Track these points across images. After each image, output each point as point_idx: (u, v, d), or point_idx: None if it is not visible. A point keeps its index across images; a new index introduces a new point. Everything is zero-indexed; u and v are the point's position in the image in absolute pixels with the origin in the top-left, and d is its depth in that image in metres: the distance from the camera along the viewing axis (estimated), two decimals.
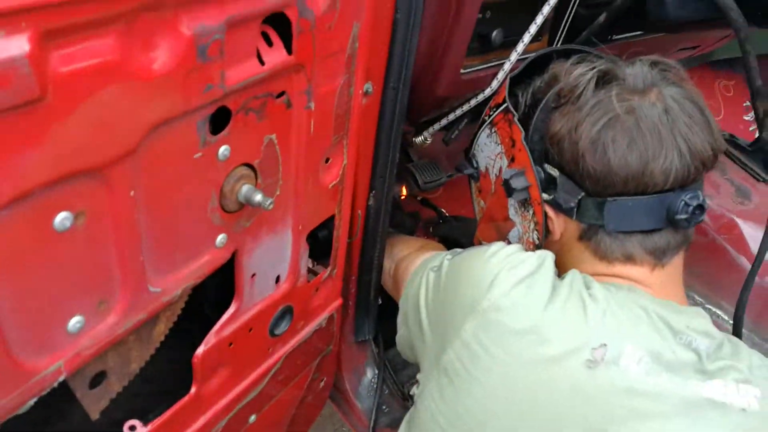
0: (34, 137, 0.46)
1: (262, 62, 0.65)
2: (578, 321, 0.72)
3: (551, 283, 0.75)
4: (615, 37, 1.33)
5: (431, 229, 1.60)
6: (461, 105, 1.17)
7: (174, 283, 0.68)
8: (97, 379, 0.68)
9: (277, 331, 0.92)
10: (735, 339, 0.81)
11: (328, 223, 0.95)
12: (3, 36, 0.40)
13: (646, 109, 0.77)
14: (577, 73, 0.81)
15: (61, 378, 0.58)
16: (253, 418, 0.96)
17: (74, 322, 0.58)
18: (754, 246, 1.64)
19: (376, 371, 1.32)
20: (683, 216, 0.77)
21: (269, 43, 0.66)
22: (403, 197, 1.49)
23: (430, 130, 1.24)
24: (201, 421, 0.83)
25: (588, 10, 1.21)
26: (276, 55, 0.67)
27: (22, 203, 0.48)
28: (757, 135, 1.92)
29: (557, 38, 1.23)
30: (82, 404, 0.67)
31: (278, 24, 0.66)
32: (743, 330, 1.54)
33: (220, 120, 0.64)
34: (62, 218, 0.52)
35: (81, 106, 0.48)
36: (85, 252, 0.56)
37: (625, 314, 0.74)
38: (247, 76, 0.63)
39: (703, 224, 1.73)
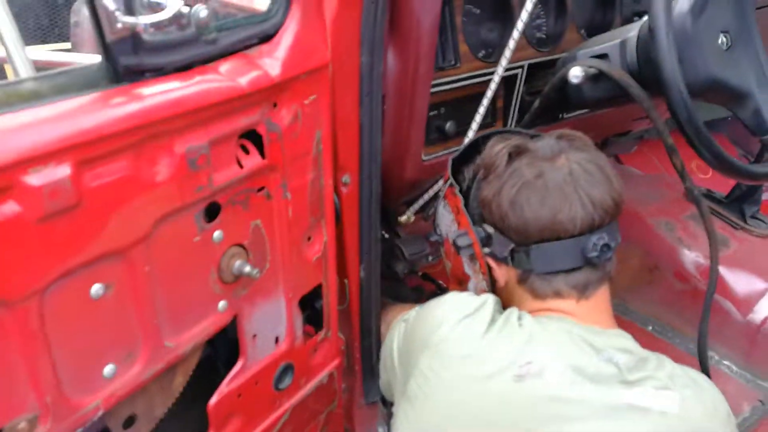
0: (74, 230, 0.68)
1: (241, 166, 0.88)
2: (509, 345, 0.88)
3: (490, 318, 0.92)
4: (565, 116, 1.54)
5: None
6: (432, 186, 1.38)
7: (185, 340, 0.88)
8: (129, 422, 0.86)
9: (281, 386, 1.09)
10: (662, 355, 0.95)
11: (318, 298, 1.15)
12: (54, 166, 0.63)
13: (553, 173, 0.97)
14: (495, 150, 1.01)
15: (99, 413, 0.78)
16: None
17: (109, 368, 0.78)
18: (737, 289, 1.77)
19: (387, 429, 1.46)
20: (594, 254, 0.94)
21: (246, 152, 0.89)
22: (405, 274, 1.68)
23: (411, 209, 1.46)
24: None
25: (531, 97, 1.44)
26: (253, 160, 0.89)
27: (67, 278, 0.70)
28: (731, 189, 2.08)
29: (509, 122, 1.46)
30: None
31: (253, 137, 0.90)
32: (729, 364, 1.65)
33: (215, 211, 0.87)
34: (97, 288, 0.73)
35: (105, 208, 0.70)
36: (114, 313, 0.76)
37: (550, 338, 0.90)
38: (230, 178, 0.86)
39: (686, 272, 1.86)
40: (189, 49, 0.80)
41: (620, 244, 1.44)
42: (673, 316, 1.81)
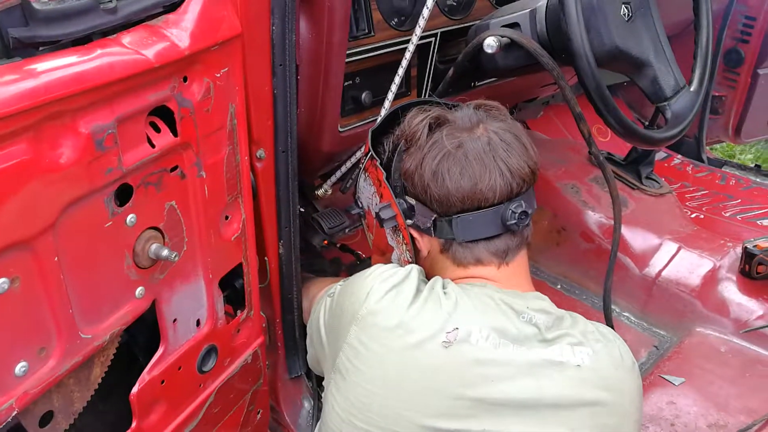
0: None
1: (152, 145, 0.83)
2: (435, 313, 0.90)
3: (415, 288, 0.94)
4: (477, 83, 1.57)
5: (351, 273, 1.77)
6: (349, 158, 1.37)
7: (102, 330, 0.83)
8: (46, 419, 0.82)
9: (205, 368, 1.06)
10: (575, 314, 1.01)
11: (243, 274, 1.12)
12: None
13: (473, 143, 0.98)
14: (416, 121, 1.01)
15: (14, 413, 0.73)
16: None
17: (20, 367, 0.73)
18: (635, 245, 1.89)
19: (312, 402, 1.46)
20: (513, 221, 0.97)
21: (157, 130, 0.84)
22: (324, 243, 1.67)
23: (328, 182, 1.44)
24: None
25: (445, 65, 1.45)
26: (164, 138, 0.85)
27: None
28: (628, 151, 2.20)
29: (423, 91, 1.46)
30: None
31: (164, 113, 0.85)
32: (629, 315, 1.77)
33: (127, 194, 0.82)
34: (0, 283, 0.68)
35: (4, 196, 0.64)
36: (23, 308, 0.71)
37: (473, 304, 0.92)
38: (141, 158, 0.81)
39: (591, 233, 1.97)
40: (87, 19, 0.74)
41: None
42: (580, 274, 1.91)
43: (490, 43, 1.15)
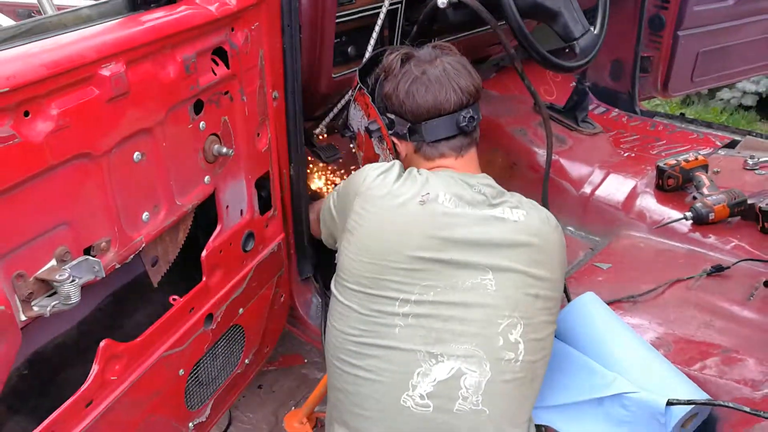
0: (125, 110, 1.00)
1: (215, 74, 1.22)
2: (413, 185, 1.30)
3: (398, 173, 1.33)
4: (436, 40, 1.97)
5: None
6: (338, 102, 1.77)
7: (187, 200, 1.21)
8: (154, 261, 1.20)
9: (247, 248, 1.45)
10: (516, 193, 1.41)
11: (267, 184, 1.51)
12: (115, 63, 0.95)
13: (433, 70, 1.38)
14: (391, 57, 1.41)
15: (142, 246, 1.11)
16: (241, 310, 1.48)
17: (145, 215, 1.11)
18: (572, 173, 2.32)
19: (320, 299, 1.86)
20: (464, 124, 1.38)
21: (216, 64, 1.23)
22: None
23: (323, 122, 1.83)
24: (209, 303, 1.35)
25: (410, 26, 1.85)
26: (221, 70, 1.24)
27: (122, 145, 1.02)
28: (566, 100, 2.63)
29: (394, 45, 1.86)
30: (149, 276, 1.19)
31: (219, 53, 1.24)
32: (571, 228, 2.19)
33: (200, 106, 1.20)
34: (137, 155, 1.06)
35: (142, 96, 1.03)
36: (147, 175, 1.09)
37: (439, 179, 1.32)
38: (209, 81, 1.20)
39: (537, 165, 2.39)
40: None
41: (487, 149, 1.87)
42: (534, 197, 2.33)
43: (443, 0, 1.55)
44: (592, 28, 1.64)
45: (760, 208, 1.88)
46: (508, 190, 1.40)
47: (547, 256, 1.34)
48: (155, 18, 1.06)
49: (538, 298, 1.28)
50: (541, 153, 2.37)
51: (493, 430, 1.21)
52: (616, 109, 3.08)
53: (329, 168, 2.11)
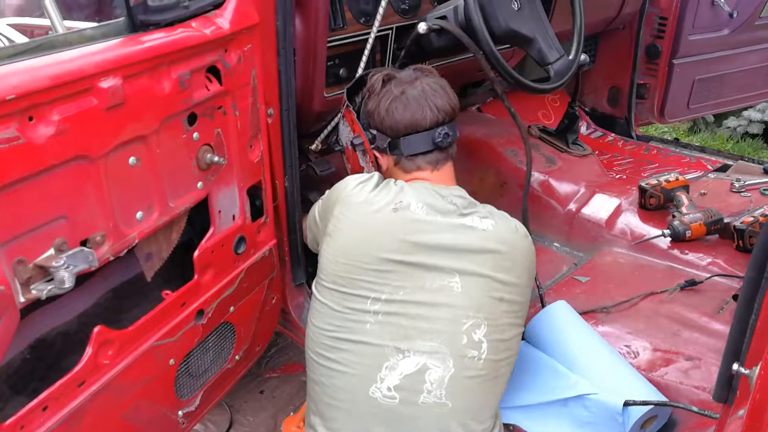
0: (122, 119, 1.13)
1: (208, 89, 1.35)
2: (388, 194, 1.41)
3: (376, 183, 1.45)
4: (426, 64, 2.09)
5: None
6: (331, 120, 1.89)
7: (180, 203, 1.33)
8: (148, 257, 1.32)
9: (239, 251, 1.57)
10: (488, 205, 1.51)
11: (260, 193, 1.63)
12: (113, 77, 1.08)
13: (412, 90, 1.50)
14: (374, 78, 1.54)
15: (135, 242, 1.23)
16: (232, 309, 1.59)
17: (139, 214, 1.23)
18: (560, 191, 2.41)
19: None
20: (439, 140, 1.49)
21: (210, 81, 1.36)
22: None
23: (318, 139, 1.96)
24: (201, 300, 1.46)
25: (400, 51, 1.98)
26: (214, 86, 1.37)
27: (118, 150, 1.15)
28: (558, 124, 2.73)
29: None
30: (144, 270, 1.31)
31: (213, 71, 1.37)
32: (557, 244, 2.28)
33: (194, 119, 1.33)
34: (132, 160, 1.18)
35: (137, 106, 1.16)
36: (141, 178, 1.22)
37: (413, 190, 1.43)
38: (202, 96, 1.32)
39: (531, 183, 2.48)
40: (174, 12, 1.26)
41: (480, 167, 1.96)
42: (518, 216, 2.42)
43: (422, 27, 1.68)
44: (567, 54, 1.75)
45: (735, 227, 1.95)
46: (498, 206, 1.50)
47: (514, 262, 1.43)
48: (153, 38, 1.20)
49: (503, 301, 1.38)
50: (536, 175, 2.47)
51: (455, 422, 1.29)
52: (613, 134, 3.19)
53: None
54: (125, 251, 1.22)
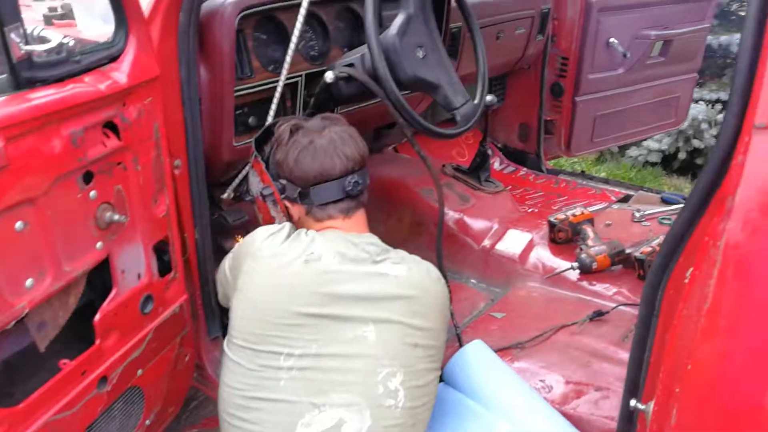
0: (5, 182, 1.06)
1: (105, 146, 1.29)
2: (299, 245, 1.39)
3: (287, 234, 1.43)
4: (339, 111, 2.11)
5: None
6: (243, 168, 1.86)
7: (76, 266, 1.26)
8: (41, 326, 1.24)
9: (146, 311, 1.50)
10: (400, 250, 1.52)
11: (168, 248, 1.57)
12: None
13: (320, 140, 1.50)
14: (282, 128, 1.53)
15: (25, 312, 1.15)
16: (140, 372, 1.51)
17: (29, 281, 1.16)
18: (475, 228, 2.46)
19: None
20: (350, 188, 1.49)
21: (108, 137, 1.31)
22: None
23: (230, 188, 1.92)
24: (105, 365, 1.38)
25: (310, 98, 1.98)
26: (113, 142, 1.31)
27: (5, 215, 1.08)
28: (471, 162, 2.80)
29: (297, 115, 1.98)
30: (36, 340, 1.22)
31: (112, 126, 1.32)
32: (473, 281, 2.31)
33: (90, 177, 1.27)
34: (19, 224, 1.12)
35: (23, 168, 1.09)
36: (30, 243, 1.15)
37: (325, 240, 1.42)
38: (98, 153, 1.27)
39: (445, 222, 2.52)
40: (64, 67, 1.21)
41: (396, 207, 1.97)
42: (434, 254, 2.45)
43: (330, 76, 1.69)
44: (471, 99, 1.81)
45: (635, 257, 2.05)
46: (416, 246, 1.50)
47: (427, 307, 1.44)
48: (40, 96, 1.14)
49: (417, 347, 1.38)
50: (444, 211, 2.50)
51: None
52: (524, 168, 3.31)
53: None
54: (13, 323, 1.14)
